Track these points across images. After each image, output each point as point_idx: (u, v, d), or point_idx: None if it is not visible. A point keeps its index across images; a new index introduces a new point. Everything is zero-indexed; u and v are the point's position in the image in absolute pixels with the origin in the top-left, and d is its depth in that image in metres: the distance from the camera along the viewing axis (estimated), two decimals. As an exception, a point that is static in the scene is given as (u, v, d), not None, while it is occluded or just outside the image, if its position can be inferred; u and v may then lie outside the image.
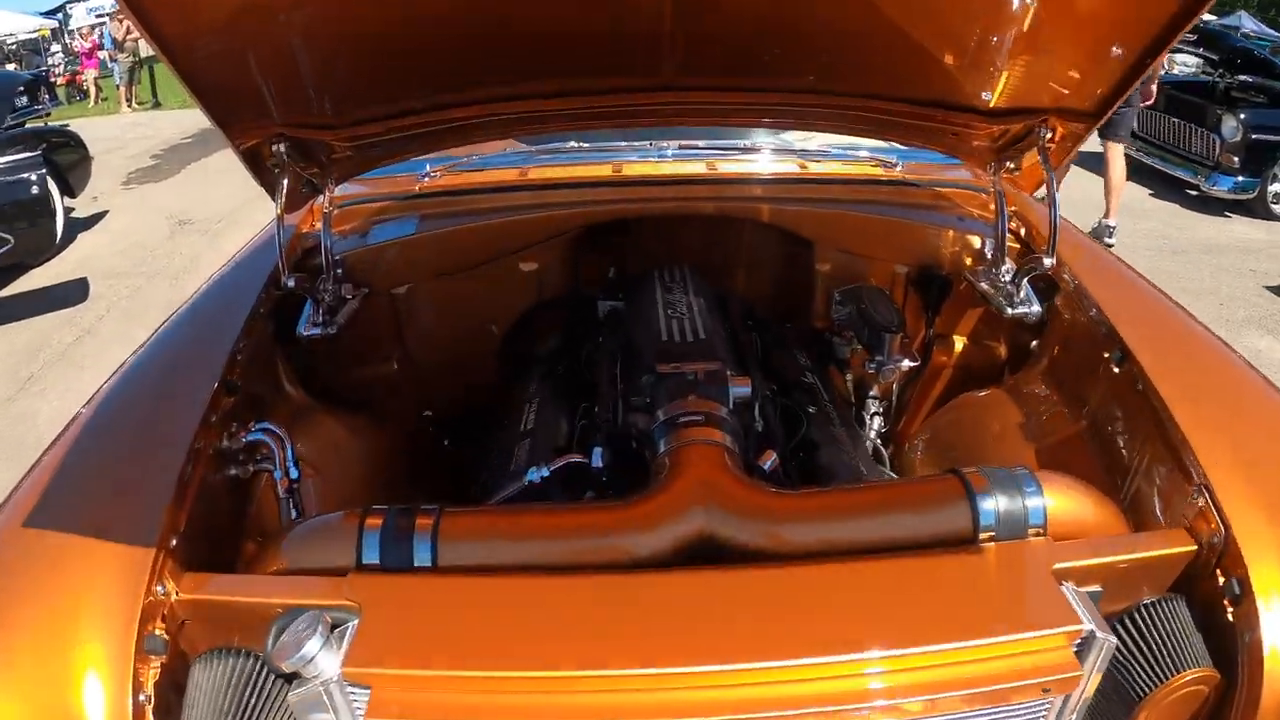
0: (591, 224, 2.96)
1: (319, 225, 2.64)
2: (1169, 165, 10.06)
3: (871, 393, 2.90)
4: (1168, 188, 10.03)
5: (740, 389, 1.97)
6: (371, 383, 2.93)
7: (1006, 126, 2.49)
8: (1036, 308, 2.54)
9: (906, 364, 2.64)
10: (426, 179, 3.04)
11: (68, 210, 9.52)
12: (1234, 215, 9.28)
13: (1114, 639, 1.49)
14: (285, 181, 2.27)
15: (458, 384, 3.07)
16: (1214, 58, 10.14)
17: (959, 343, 3.06)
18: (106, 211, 10.80)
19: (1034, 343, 2.70)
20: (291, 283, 2.35)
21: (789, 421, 2.31)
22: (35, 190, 8.12)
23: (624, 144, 3.17)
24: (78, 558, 1.56)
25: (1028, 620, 1.49)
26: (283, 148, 2.21)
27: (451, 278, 2.92)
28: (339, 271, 2.65)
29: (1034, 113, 2.37)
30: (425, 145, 2.68)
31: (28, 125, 9.75)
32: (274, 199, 2.28)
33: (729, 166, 3.13)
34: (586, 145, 3.15)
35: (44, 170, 8.26)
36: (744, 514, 1.66)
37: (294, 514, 1.96)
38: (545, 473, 1.99)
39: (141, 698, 1.46)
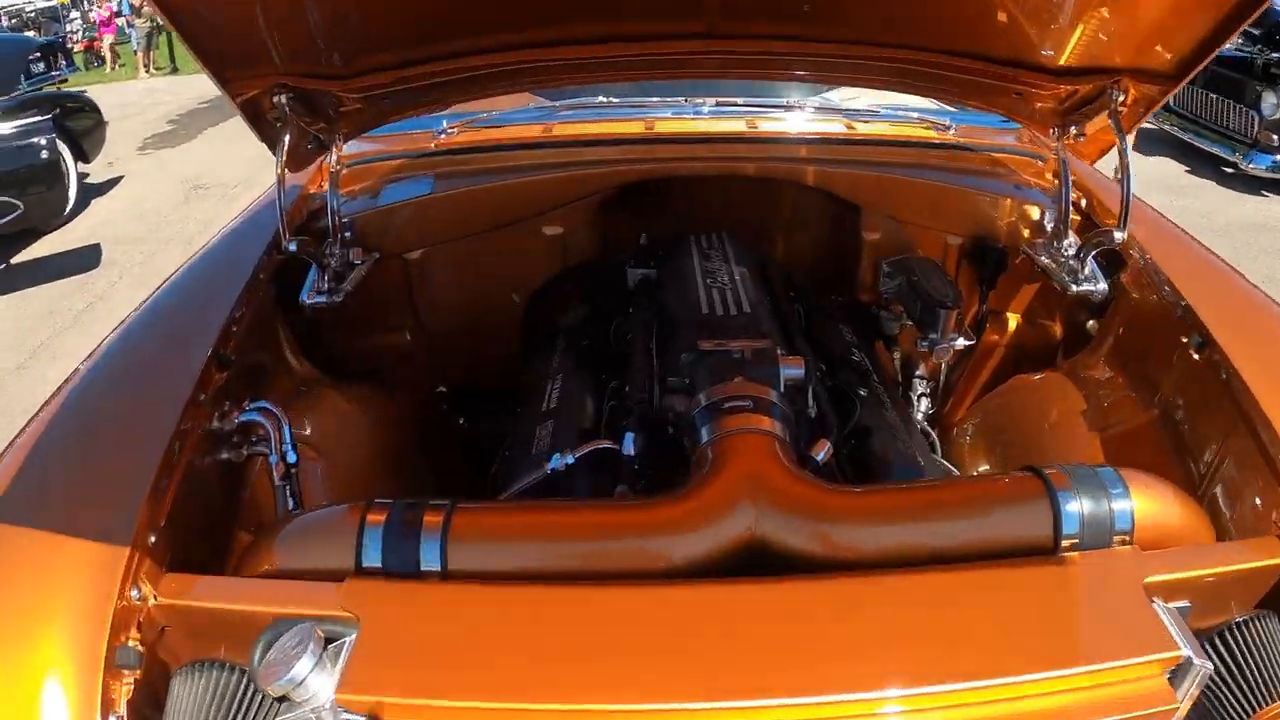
0: (622, 185, 2.73)
1: (327, 185, 2.43)
2: (1205, 142, 9.70)
3: (918, 372, 2.68)
4: (1204, 164, 9.69)
5: (792, 370, 1.76)
6: (381, 354, 2.73)
7: (1075, 87, 2.25)
8: (1102, 285, 2.32)
9: (961, 343, 2.42)
10: (443, 136, 2.81)
11: (82, 176, 9.36)
12: (1271, 195, 8.95)
13: (1210, 665, 1.29)
14: (287, 136, 2.07)
15: (475, 357, 2.87)
16: (1254, 32, 9.76)
17: (1012, 320, 2.85)
18: (121, 177, 10.61)
19: (1091, 323, 2.49)
20: (293, 246, 2.14)
21: (840, 405, 2.10)
22: (45, 155, 7.90)
23: (656, 99, 2.93)
24: (41, 556, 1.36)
25: (1120, 645, 1.29)
26: (284, 99, 2.00)
27: (469, 242, 2.71)
28: (347, 234, 2.44)
29: (1106, 73, 2.13)
30: (440, 97, 2.47)
31: (44, 91, 9.55)
32: (275, 155, 2.07)
33: (770, 125, 2.89)
34: (616, 100, 2.92)
35: (54, 134, 8.05)
36: (799, 513, 1.46)
37: (290, 504, 1.77)
38: (570, 460, 1.79)
39: (113, 718, 1.26)
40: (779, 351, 1.80)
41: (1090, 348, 2.47)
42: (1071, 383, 2.40)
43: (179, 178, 10.58)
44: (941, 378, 2.74)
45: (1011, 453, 2.43)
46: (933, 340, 2.39)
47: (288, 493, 1.76)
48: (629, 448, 1.79)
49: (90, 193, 9.69)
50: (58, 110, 8.52)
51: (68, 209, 8.72)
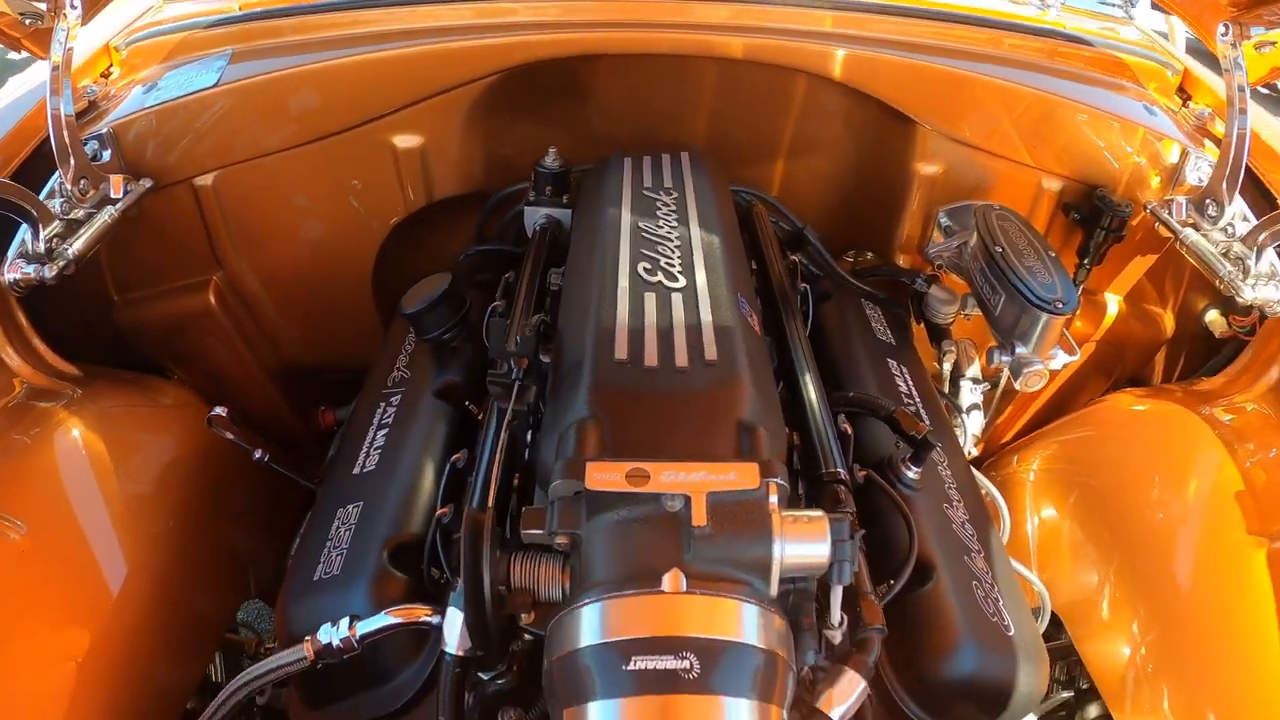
0: (520, 66, 1.67)
1: (108, 77, 1.62)
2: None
3: (969, 372, 1.72)
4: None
5: (806, 548, 0.80)
6: (177, 329, 1.78)
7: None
8: None
9: (1063, 361, 1.45)
10: None
11: None
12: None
13: None
14: None
15: (316, 323, 1.92)
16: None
17: (1111, 306, 1.89)
18: None
19: (1218, 319, 1.73)
20: None
21: (874, 520, 1.15)
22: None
23: None
24: None
25: None
26: None
27: (283, 160, 1.69)
28: (105, 154, 1.53)
29: None
30: None
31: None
32: None
33: None
34: None
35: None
36: None
37: None
38: (342, 635, 0.90)
39: None
40: (773, 491, 0.82)
41: (1235, 371, 1.61)
42: (1206, 424, 1.50)
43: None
44: (1002, 381, 1.78)
45: (1101, 510, 1.55)
46: (1020, 358, 1.43)
47: None
48: (453, 638, 0.89)
49: (10, 69, 8.15)
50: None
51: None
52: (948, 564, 1.10)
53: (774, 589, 0.79)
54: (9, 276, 1.32)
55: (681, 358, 1.02)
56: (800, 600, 0.85)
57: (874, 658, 0.88)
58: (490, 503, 0.89)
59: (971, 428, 1.71)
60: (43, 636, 1.18)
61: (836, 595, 0.88)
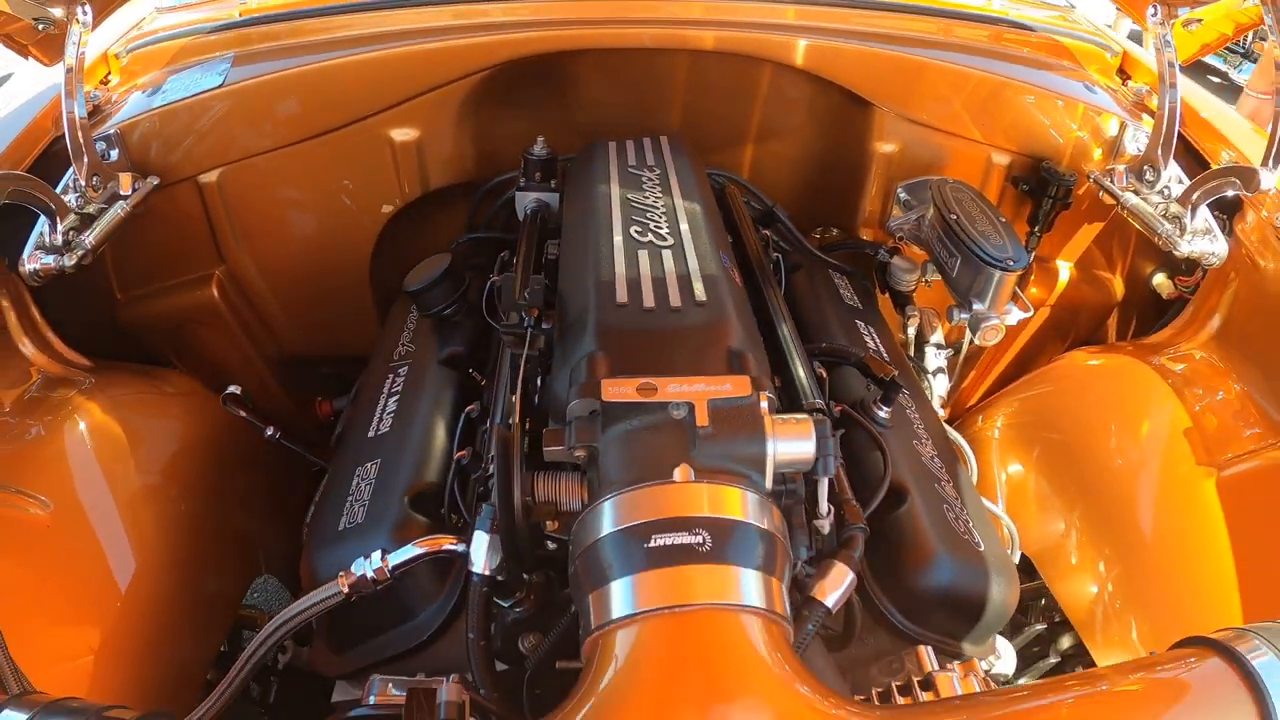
0: (508, 62, 1.76)
1: (107, 84, 1.68)
2: (1194, 48, 8.77)
3: (933, 338, 1.82)
4: (1190, 72, 8.77)
5: (794, 445, 0.90)
6: (181, 323, 1.85)
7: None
8: (1222, 246, 1.60)
9: (1017, 317, 1.56)
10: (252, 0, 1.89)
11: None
12: (1260, 108, 8.08)
13: None
14: None
15: (315, 314, 2.00)
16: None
17: (1062, 272, 2.01)
18: (11, 75, 9.05)
19: (1164, 282, 1.84)
20: None
21: (853, 449, 1.26)
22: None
23: None
24: None
25: None
26: None
27: (284, 155, 1.76)
28: (113, 154, 1.59)
29: None
30: None
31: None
32: None
33: None
34: None
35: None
36: None
37: None
38: (375, 566, 0.98)
39: None
40: (764, 399, 0.93)
41: (1180, 324, 1.70)
42: (1156, 373, 1.61)
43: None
44: (965, 346, 1.88)
45: (1064, 459, 1.65)
46: (977, 314, 1.54)
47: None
48: (480, 558, 0.98)
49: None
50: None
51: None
52: (919, 489, 1.20)
53: (769, 483, 0.89)
54: (29, 267, 1.38)
55: (675, 299, 1.13)
56: (792, 503, 0.95)
57: (859, 553, 0.98)
58: (516, 420, 0.98)
59: (937, 389, 1.81)
60: (69, 608, 1.22)
61: (823, 486, 0.98)
